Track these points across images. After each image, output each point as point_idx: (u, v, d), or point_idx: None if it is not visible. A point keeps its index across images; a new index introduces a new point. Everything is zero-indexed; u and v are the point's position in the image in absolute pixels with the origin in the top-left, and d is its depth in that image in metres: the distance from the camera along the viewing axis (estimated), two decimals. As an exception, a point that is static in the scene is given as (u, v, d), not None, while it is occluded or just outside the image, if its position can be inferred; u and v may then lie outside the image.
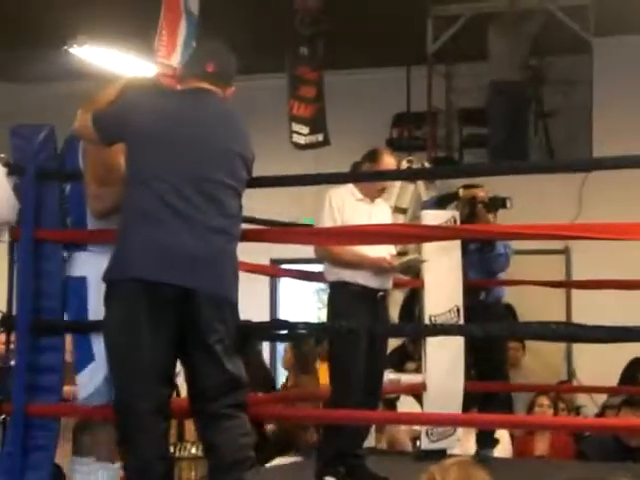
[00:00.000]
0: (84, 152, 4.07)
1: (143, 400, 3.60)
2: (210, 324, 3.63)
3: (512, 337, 7.38)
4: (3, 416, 4.14)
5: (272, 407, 5.35)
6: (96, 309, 3.95)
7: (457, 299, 5.99)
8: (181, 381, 3.90)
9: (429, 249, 5.77)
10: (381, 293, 5.19)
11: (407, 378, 6.54)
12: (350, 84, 9.18)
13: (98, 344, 3.91)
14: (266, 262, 8.04)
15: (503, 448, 6.57)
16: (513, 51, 8.23)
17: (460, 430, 6.09)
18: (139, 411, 3.60)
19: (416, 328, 5.49)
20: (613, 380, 7.53)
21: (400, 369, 7.32)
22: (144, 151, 3.71)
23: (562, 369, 8.75)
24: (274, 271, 8.15)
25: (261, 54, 7.82)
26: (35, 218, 4.09)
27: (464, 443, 6.28)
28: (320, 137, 8.04)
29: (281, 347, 8.66)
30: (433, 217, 5.97)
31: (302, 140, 7.95)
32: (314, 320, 9.49)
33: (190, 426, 5.45)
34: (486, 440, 6.08)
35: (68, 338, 4.21)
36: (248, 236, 4.00)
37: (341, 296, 5.12)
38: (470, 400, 6.00)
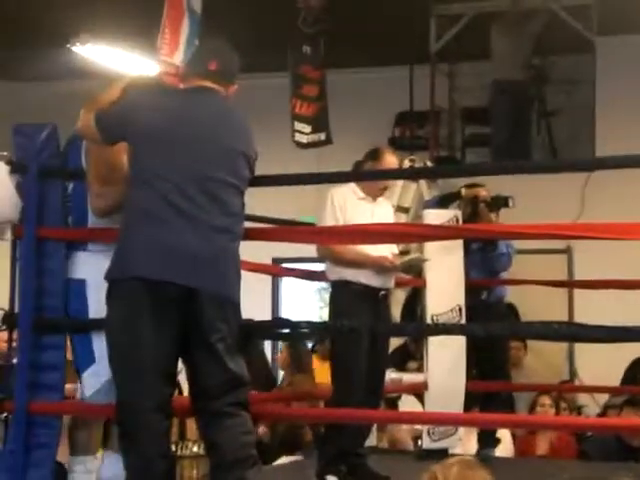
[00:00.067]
0: (87, 151, 4.07)
1: (145, 398, 3.60)
2: (212, 323, 3.63)
3: (514, 337, 7.38)
4: (5, 414, 4.14)
5: (272, 406, 5.34)
6: (96, 310, 3.95)
7: (459, 298, 5.98)
8: (183, 379, 3.91)
9: (431, 248, 5.77)
10: (383, 292, 5.18)
11: (409, 377, 6.52)
12: (353, 83, 9.17)
13: (100, 343, 3.91)
14: (268, 261, 8.03)
15: (505, 448, 6.57)
16: (516, 50, 8.22)
17: (462, 429, 6.09)
18: (141, 409, 3.60)
19: (418, 327, 5.50)
20: (615, 380, 7.51)
21: (402, 368, 7.31)
22: (147, 150, 3.71)
23: (564, 369, 8.74)
24: (276, 270, 8.14)
25: (264, 52, 7.81)
26: (37, 216, 4.10)
27: (465, 442, 6.27)
28: (322, 136, 8.02)
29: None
30: (435, 216, 5.96)
31: (304, 139, 7.93)
32: (316, 319, 9.49)
33: (192, 424, 5.44)
34: (488, 440, 6.08)
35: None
36: (250, 235, 3.99)
37: (343, 295, 5.11)
38: (472, 399, 5.99)
